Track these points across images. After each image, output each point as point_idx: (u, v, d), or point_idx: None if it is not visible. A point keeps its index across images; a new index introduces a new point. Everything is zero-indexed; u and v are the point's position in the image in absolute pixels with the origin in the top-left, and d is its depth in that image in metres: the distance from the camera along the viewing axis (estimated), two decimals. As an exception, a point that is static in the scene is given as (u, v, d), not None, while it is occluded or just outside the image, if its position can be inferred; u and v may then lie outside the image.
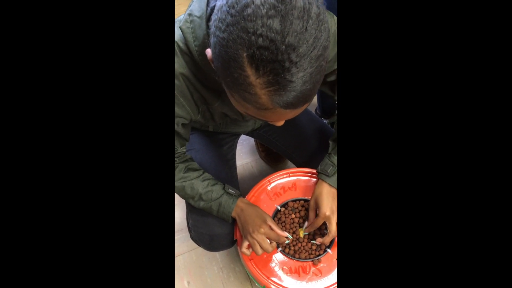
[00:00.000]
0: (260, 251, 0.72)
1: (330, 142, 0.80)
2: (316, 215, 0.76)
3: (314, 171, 0.85)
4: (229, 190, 0.78)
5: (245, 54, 0.40)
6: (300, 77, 0.41)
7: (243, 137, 1.32)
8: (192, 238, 0.85)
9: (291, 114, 0.47)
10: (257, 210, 0.75)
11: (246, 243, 0.74)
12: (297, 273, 0.74)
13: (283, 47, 0.39)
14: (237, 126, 0.86)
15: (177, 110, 0.63)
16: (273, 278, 0.74)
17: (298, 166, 0.93)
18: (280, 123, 0.54)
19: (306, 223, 0.79)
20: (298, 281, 0.73)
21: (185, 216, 1.03)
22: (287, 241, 0.77)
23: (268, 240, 0.73)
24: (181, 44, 0.57)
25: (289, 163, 1.30)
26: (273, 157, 1.34)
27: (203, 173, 0.77)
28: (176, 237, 1.20)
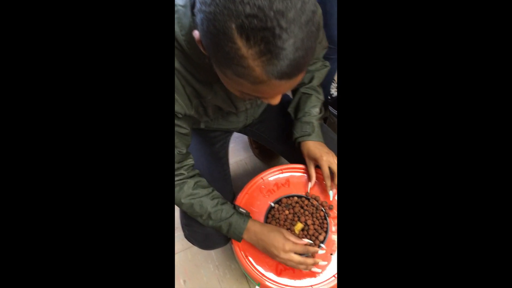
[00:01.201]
0: (303, 267, 0.70)
1: (290, 111, 0.86)
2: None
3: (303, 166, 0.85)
4: (240, 209, 0.76)
5: (233, 25, 0.39)
6: (291, 43, 0.40)
7: (236, 135, 1.32)
8: (186, 236, 0.84)
9: (287, 86, 0.46)
10: (271, 230, 0.73)
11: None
12: (292, 270, 0.74)
13: (272, 13, 0.38)
14: (228, 122, 0.86)
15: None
16: (267, 275, 0.74)
17: (291, 162, 0.92)
18: (276, 100, 0.53)
19: (309, 184, 0.81)
20: (292, 279, 0.73)
21: (179, 215, 1.03)
22: (315, 248, 0.74)
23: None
24: None
25: (283, 159, 1.29)
26: (267, 154, 1.34)
27: (213, 191, 0.76)
28: (171, 236, 1.20)
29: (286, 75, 0.43)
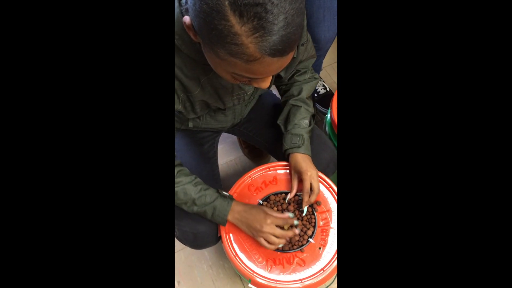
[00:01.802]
0: (278, 241, 0.73)
1: (280, 123, 0.86)
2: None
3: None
4: (223, 193, 0.78)
5: (226, 2, 0.41)
6: (282, 19, 0.42)
7: (225, 135, 1.33)
8: (177, 237, 0.85)
9: (278, 64, 0.48)
10: (253, 207, 0.76)
11: (262, 240, 0.73)
12: (281, 264, 0.76)
13: None
14: (217, 122, 0.87)
15: None
16: (258, 271, 0.75)
17: (280, 160, 0.94)
18: (266, 83, 0.55)
19: (288, 195, 0.82)
20: (282, 273, 0.75)
21: None
22: (294, 220, 0.77)
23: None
24: None
25: (272, 158, 1.31)
26: (256, 153, 1.35)
27: (195, 178, 0.77)
28: (164, 238, 1.21)
29: (278, 51, 0.45)
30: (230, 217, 0.76)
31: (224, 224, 0.78)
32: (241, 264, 0.76)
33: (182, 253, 1.17)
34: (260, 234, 0.73)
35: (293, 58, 0.75)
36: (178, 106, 0.68)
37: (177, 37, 0.57)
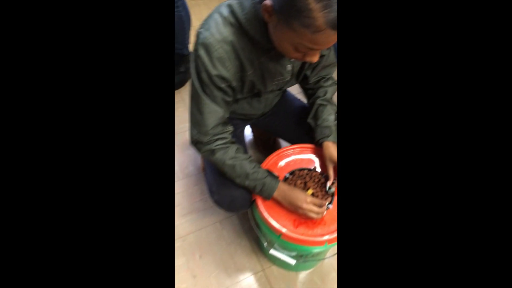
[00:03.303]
0: (316, 215, 0.89)
1: (310, 121, 1.04)
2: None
3: (311, 146, 1.05)
4: (272, 173, 0.94)
5: None
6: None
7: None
8: (215, 201, 0.99)
9: (332, 38, 0.65)
10: (295, 188, 0.92)
11: (300, 212, 0.89)
12: (306, 224, 0.91)
13: None
14: (251, 108, 1.04)
15: (225, 73, 0.80)
16: (287, 228, 0.90)
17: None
18: (316, 57, 0.73)
19: (328, 182, 0.98)
20: (307, 230, 0.90)
21: (190, 203, 1.18)
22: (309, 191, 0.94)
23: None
24: (229, 17, 0.77)
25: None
26: (269, 150, 1.52)
27: (250, 156, 0.93)
28: (186, 219, 1.34)
29: (335, 26, 0.62)
30: (276, 194, 0.92)
31: (268, 199, 0.93)
32: (272, 222, 0.91)
33: (203, 231, 1.30)
34: (301, 210, 0.89)
35: (321, 56, 0.96)
36: (233, 82, 0.85)
37: (248, 22, 0.76)
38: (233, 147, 0.91)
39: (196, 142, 0.90)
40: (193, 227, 1.32)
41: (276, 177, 0.94)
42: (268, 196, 0.92)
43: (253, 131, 1.54)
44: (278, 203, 0.93)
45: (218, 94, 0.84)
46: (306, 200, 0.89)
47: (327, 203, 0.93)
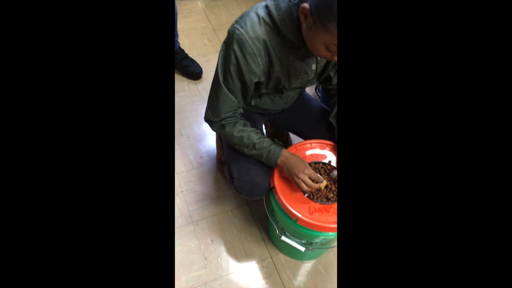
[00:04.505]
0: (306, 188, 0.96)
1: (332, 120, 1.13)
2: None
3: (329, 142, 1.12)
4: (277, 141, 1.02)
5: None
6: None
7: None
8: (236, 186, 1.07)
9: None
10: (299, 157, 1.01)
11: (299, 182, 0.97)
12: (320, 211, 0.99)
13: None
14: (273, 103, 1.12)
15: (255, 68, 0.89)
16: (304, 213, 0.98)
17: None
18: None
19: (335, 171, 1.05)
20: (320, 216, 0.98)
21: (204, 190, 1.31)
22: (324, 180, 1.01)
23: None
24: (265, 17, 0.85)
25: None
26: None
27: (256, 129, 1.02)
28: (200, 205, 1.41)
29: None
30: (279, 160, 1.00)
31: (274, 166, 1.02)
32: (289, 207, 0.99)
33: (216, 218, 1.38)
34: (296, 178, 0.97)
35: None
36: (262, 77, 0.93)
37: (282, 22, 0.83)
38: (241, 122, 1.00)
39: (208, 120, 1.02)
40: (206, 213, 1.38)
41: (280, 146, 1.02)
42: (273, 163, 1.01)
43: (267, 128, 1.62)
44: (282, 171, 1.02)
45: (238, 86, 0.93)
46: (304, 170, 0.96)
47: (324, 181, 1.01)
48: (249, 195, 1.08)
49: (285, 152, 1.01)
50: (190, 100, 1.75)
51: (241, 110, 1.01)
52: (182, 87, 1.79)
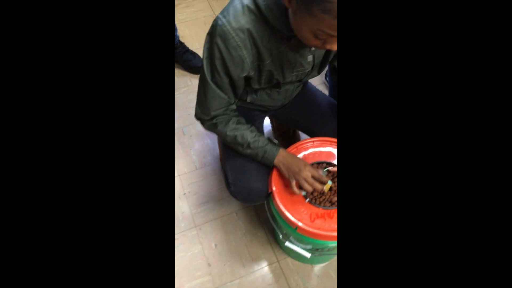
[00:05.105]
0: (309, 187, 0.88)
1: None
2: None
3: (334, 139, 1.02)
4: (273, 140, 0.94)
5: None
6: None
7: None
8: (231, 192, 0.99)
9: None
10: (297, 157, 0.92)
11: (294, 182, 0.89)
12: (323, 217, 0.90)
13: None
14: (270, 99, 1.03)
15: (241, 62, 0.79)
16: (305, 221, 0.89)
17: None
18: (336, 45, 0.70)
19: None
20: (323, 223, 0.89)
21: (207, 192, 1.20)
22: (328, 180, 0.92)
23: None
24: (249, 5, 0.75)
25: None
26: (288, 141, 1.51)
27: (251, 126, 0.94)
28: (203, 208, 1.34)
29: None
30: (276, 161, 0.92)
31: (270, 166, 0.94)
32: (288, 215, 0.90)
33: (219, 220, 1.31)
34: (297, 176, 0.89)
35: None
36: (251, 72, 0.84)
37: (267, 9, 0.73)
38: (234, 119, 0.92)
39: (199, 118, 0.95)
40: (210, 216, 1.32)
41: (277, 145, 0.94)
42: (270, 163, 0.93)
43: (272, 121, 1.53)
44: (280, 171, 0.94)
45: (226, 81, 0.84)
46: (304, 167, 0.88)
47: (328, 181, 0.92)
48: (246, 201, 1.00)
49: (282, 151, 0.93)
50: (193, 96, 1.67)
51: (233, 106, 0.92)
52: (185, 83, 1.72)
